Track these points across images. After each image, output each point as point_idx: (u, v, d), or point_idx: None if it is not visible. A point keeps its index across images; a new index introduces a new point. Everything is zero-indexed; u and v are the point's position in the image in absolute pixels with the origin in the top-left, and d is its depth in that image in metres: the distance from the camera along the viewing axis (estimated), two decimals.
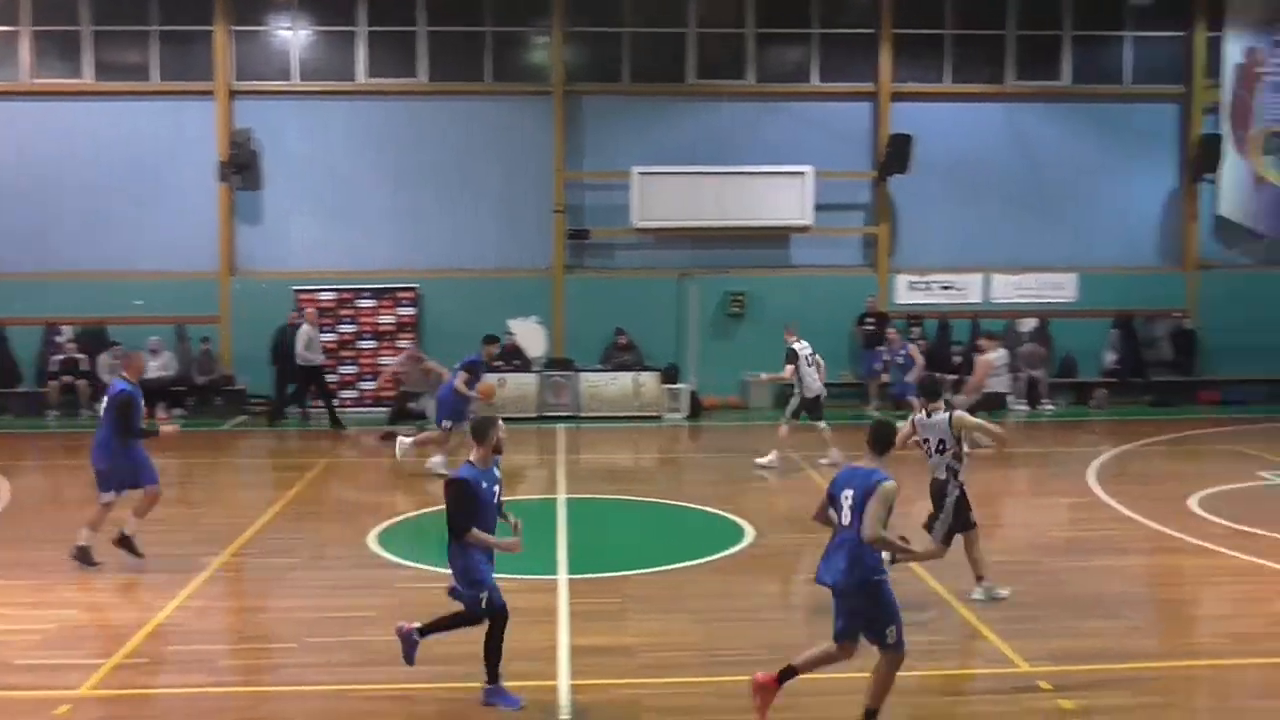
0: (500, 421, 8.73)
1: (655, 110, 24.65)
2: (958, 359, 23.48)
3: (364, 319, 23.96)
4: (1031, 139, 24.93)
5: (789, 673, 8.05)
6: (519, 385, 22.89)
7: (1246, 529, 13.82)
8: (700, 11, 24.63)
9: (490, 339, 18.13)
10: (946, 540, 11.03)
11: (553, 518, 14.60)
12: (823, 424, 17.99)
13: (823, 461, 17.76)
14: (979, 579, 11.03)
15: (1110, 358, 24.66)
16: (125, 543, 12.13)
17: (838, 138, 24.65)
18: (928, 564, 12.08)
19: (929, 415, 11.00)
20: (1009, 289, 24.87)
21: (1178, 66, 25.11)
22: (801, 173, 23.86)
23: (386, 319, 23.93)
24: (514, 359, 23.49)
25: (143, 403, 12.35)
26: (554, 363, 23.68)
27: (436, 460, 17.21)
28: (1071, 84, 25.01)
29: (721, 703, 8.57)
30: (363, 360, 23.86)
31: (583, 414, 22.87)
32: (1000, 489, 17.19)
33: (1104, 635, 10.14)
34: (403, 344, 23.27)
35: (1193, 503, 15.13)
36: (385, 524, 14.16)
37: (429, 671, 9.09)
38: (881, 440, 8.08)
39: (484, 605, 8.40)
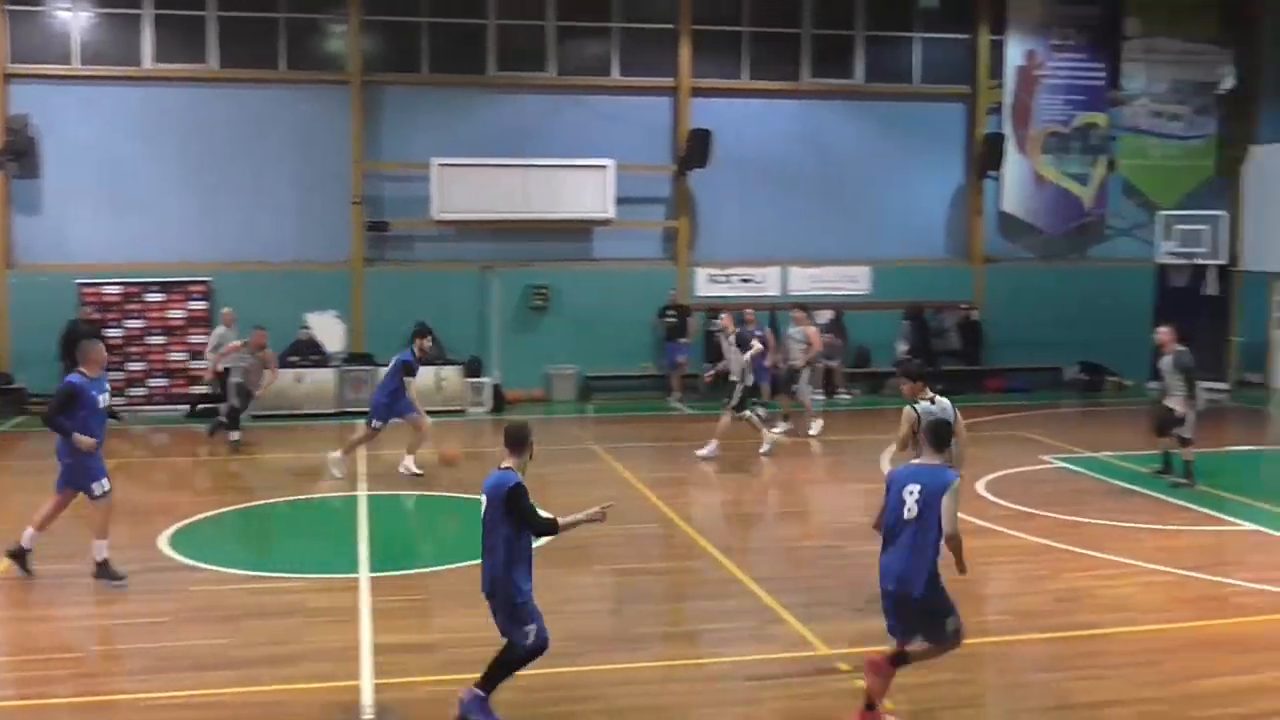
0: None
1: (456, 101, 24.39)
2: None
3: (152, 314, 23.08)
4: (826, 136, 25.56)
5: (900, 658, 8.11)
6: (317, 381, 22.42)
7: (1029, 510, 14.47)
8: (501, 3, 24.45)
9: (422, 330, 17.06)
10: None
11: (353, 515, 14.33)
12: (748, 413, 18.17)
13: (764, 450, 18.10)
14: None
15: (902, 348, 25.40)
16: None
17: (638, 131, 24.81)
18: (730, 551, 12.33)
19: (933, 401, 11.08)
20: (806, 281, 25.46)
21: (964, 67, 26.08)
22: (603, 166, 23.92)
23: (176, 313, 23.10)
24: (311, 353, 22.97)
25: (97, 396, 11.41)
26: (353, 357, 23.22)
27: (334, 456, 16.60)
28: (864, 83, 25.73)
29: (525, 697, 8.52)
30: (152, 357, 22.98)
31: None
32: (801, 476, 17.57)
33: None
34: (197, 339, 22.48)
35: (980, 486, 15.73)
36: (177, 525, 13.66)
37: (228, 676, 8.83)
38: (941, 438, 8.06)
39: (532, 639, 7.98)
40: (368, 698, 8.49)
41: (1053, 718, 8.35)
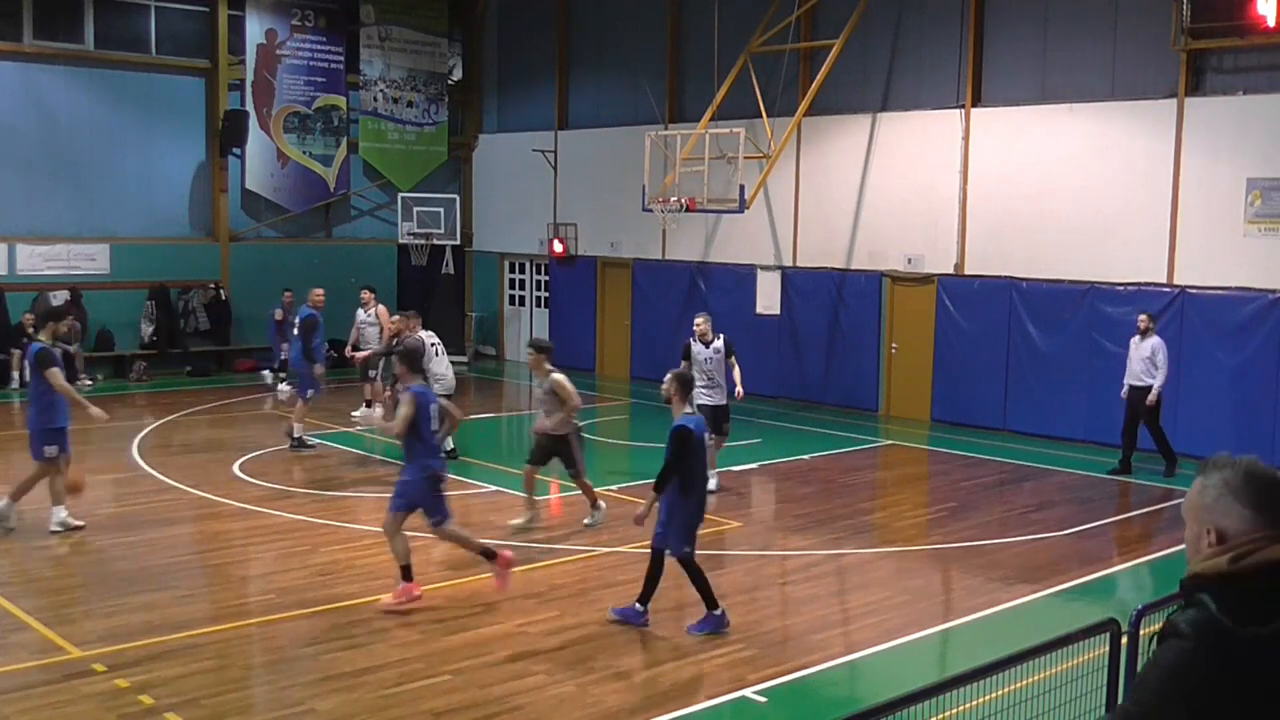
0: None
1: None
2: None
3: None
4: (55, 103, 23.75)
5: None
6: None
7: (285, 488, 14.54)
8: None
9: None
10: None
11: None
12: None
13: None
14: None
15: (148, 329, 24.44)
16: None
17: None
18: None
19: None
20: (37, 260, 23.53)
21: (203, 41, 25.42)
22: None
23: None
24: None
25: None
26: None
27: None
28: (95, 49, 24.22)
29: None
30: None
31: None
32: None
33: (155, 608, 10.08)
34: None
35: (235, 468, 15.54)
36: None
37: None
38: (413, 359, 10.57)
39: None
40: None
41: (317, 690, 8.44)
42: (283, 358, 22.47)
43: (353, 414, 18.92)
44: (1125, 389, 16.24)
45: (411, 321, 16.46)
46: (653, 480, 9.74)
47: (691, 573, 9.73)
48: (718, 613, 9.74)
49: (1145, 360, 15.89)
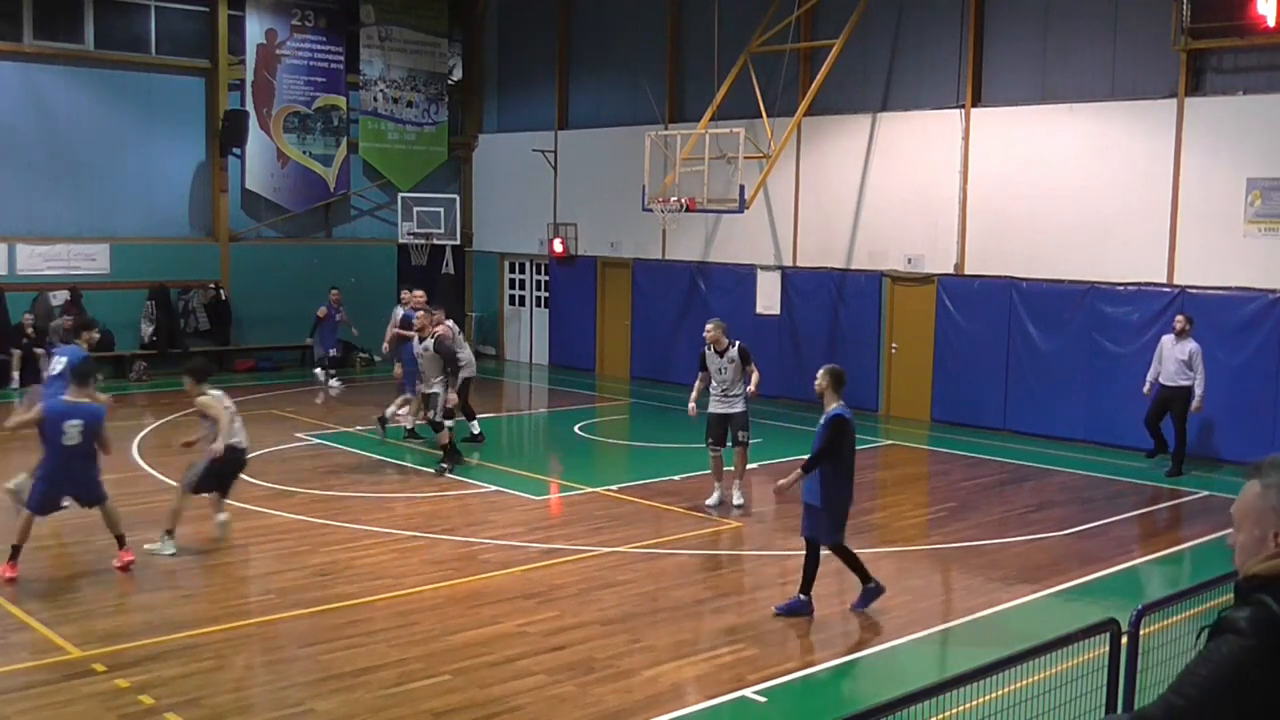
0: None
1: None
2: None
3: None
4: (55, 103, 23.74)
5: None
6: None
7: (288, 488, 14.52)
8: None
9: None
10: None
11: None
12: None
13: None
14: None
15: (148, 330, 24.44)
16: None
17: None
18: None
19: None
20: (37, 260, 23.52)
21: (203, 41, 25.41)
22: None
23: None
24: None
25: None
26: None
27: None
28: (94, 49, 24.21)
29: None
30: None
31: None
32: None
33: (154, 609, 10.09)
34: None
35: None
36: None
37: None
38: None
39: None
40: None
41: (317, 690, 8.43)
42: (332, 352, 23.41)
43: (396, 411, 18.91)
44: (1149, 385, 16.29)
45: (436, 315, 16.30)
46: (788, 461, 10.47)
47: (845, 556, 10.33)
48: (871, 585, 10.40)
49: (1180, 362, 15.92)
